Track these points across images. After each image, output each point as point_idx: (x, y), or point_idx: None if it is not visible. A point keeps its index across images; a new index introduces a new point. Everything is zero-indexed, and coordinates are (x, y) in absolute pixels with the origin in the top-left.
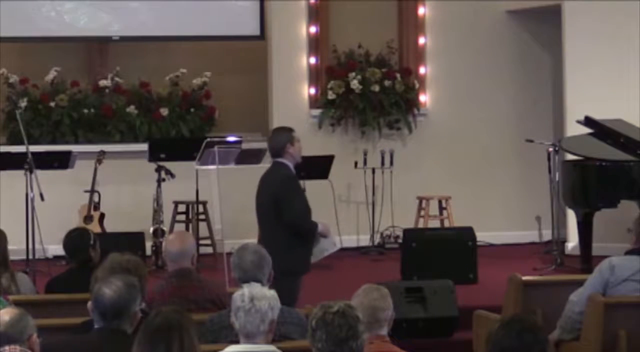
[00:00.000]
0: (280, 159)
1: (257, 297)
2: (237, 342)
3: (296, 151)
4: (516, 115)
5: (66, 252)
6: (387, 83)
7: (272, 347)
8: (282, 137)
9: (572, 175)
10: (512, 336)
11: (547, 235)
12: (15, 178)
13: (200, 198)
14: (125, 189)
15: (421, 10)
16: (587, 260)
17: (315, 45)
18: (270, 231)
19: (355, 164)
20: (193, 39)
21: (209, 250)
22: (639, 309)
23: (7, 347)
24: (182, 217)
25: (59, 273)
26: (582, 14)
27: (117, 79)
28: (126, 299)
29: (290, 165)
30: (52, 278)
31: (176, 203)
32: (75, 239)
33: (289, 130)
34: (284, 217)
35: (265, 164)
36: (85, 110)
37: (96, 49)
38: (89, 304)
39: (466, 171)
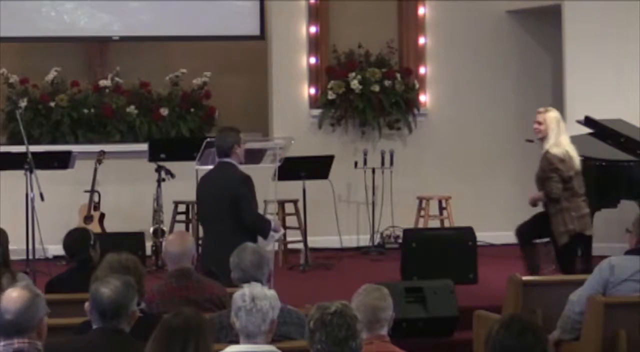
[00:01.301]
0: (228, 159)
1: (258, 297)
2: (237, 342)
3: (242, 152)
4: (516, 115)
5: (66, 252)
6: (387, 83)
7: (272, 347)
8: (230, 138)
9: None
10: (513, 336)
11: None
12: (15, 178)
13: None
14: (125, 189)
15: (421, 10)
16: (587, 260)
17: (315, 45)
18: (224, 230)
19: (355, 164)
20: (193, 39)
21: None
22: (639, 309)
23: (15, 341)
24: (182, 217)
25: (59, 273)
26: (582, 14)
27: (117, 79)
28: (124, 298)
29: (238, 166)
30: (52, 278)
31: (176, 203)
32: (76, 239)
33: (237, 131)
34: (244, 217)
35: (266, 164)
36: (85, 110)
37: (96, 49)
38: (86, 304)
39: (466, 171)
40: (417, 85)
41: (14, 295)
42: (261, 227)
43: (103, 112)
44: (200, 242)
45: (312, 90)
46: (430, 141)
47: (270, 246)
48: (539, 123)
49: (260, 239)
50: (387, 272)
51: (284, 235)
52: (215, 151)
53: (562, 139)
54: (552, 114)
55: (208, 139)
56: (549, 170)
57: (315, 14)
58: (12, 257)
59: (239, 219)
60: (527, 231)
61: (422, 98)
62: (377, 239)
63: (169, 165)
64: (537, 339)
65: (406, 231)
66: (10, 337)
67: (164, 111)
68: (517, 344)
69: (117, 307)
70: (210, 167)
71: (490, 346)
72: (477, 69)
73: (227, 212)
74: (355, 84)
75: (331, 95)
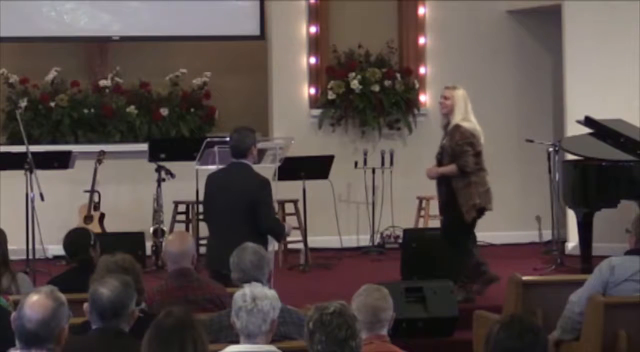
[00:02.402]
0: (244, 161)
1: (259, 297)
2: (237, 342)
3: (256, 153)
4: (516, 115)
5: (66, 252)
6: (387, 83)
7: (272, 348)
8: (249, 138)
9: (572, 175)
10: (514, 337)
11: (547, 235)
12: (15, 178)
13: (200, 198)
14: (125, 189)
15: (421, 10)
16: (587, 260)
17: (315, 45)
18: (239, 232)
19: (355, 164)
20: (193, 39)
21: None
22: (639, 309)
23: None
24: (182, 217)
25: (59, 273)
26: (582, 14)
27: (117, 79)
28: (124, 298)
29: (253, 167)
30: (52, 278)
31: (176, 203)
32: (76, 239)
33: (253, 131)
34: (262, 221)
35: (266, 164)
36: (85, 110)
37: (96, 49)
38: (85, 305)
39: None
40: (417, 85)
41: (38, 303)
42: (277, 232)
43: (103, 112)
44: (201, 242)
45: (312, 90)
46: (430, 141)
47: (270, 246)
48: (446, 98)
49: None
50: (387, 272)
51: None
52: (228, 151)
53: (471, 117)
54: (461, 92)
55: (208, 139)
56: (465, 144)
57: (315, 14)
58: (12, 257)
59: (255, 223)
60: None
61: (422, 98)
62: (377, 239)
63: (169, 165)
64: (537, 339)
65: (406, 231)
66: (28, 347)
67: (164, 111)
68: (517, 344)
69: (116, 307)
70: (211, 167)
71: (490, 346)
72: (477, 69)
73: (244, 215)
74: (355, 84)
75: (331, 95)
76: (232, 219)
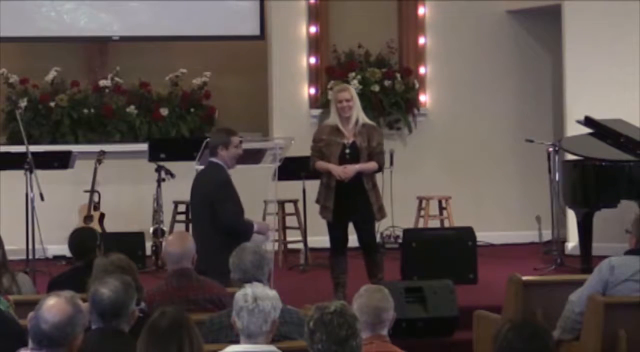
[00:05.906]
0: (215, 159)
1: (260, 297)
2: (237, 342)
3: (229, 155)
4: (516, 115)
5: (73, 251)
6: (387, 83)
7: (272, 348)
8: (218, 138)
9: (572, 175)
10: (523, 339)
11: (547, 235)
12: (15, 178)
13: None
14: (125, 189)
15: (421, 10)
16: (587, 260)
17: (315, 45)
18: (202, 231)
19: None
20: (193, 39)
21: None
22: (639, 309)
23: None
24: (182, 217)
25: (62, 272)
26: (582, 14)
27: (117, 79)
28: (124, 298)
29: (225, 166)
30: (56, 276)
31: (176, 203)
32: (83, 239)
33: (228, 132)
34: (220, 219)
35: (266, 165)
36: (85, 110)
37: (96, 49)
38: (85, 306)
39: (466, 171)
40: (417, 85)
41: (57, 306)
42: (240, 231)
43: (103, 112)
44: None
45: (312, 90)
46: (430, 141)
47: (270, 245)
48: (347, 100)
49: (255, 236)
50: (387, 272)
51: (284, 235)
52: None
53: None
54: (353, 89)
55: (208, 139)
56: (383, 144)
57: (315, 14)
58: (12, 257)
59: (215, 222)
60: (345, 239)
61: (422, 98)
62: (377, 239)
63: (169, 165)
64: (545, 345)
65: (406, 231)
66: (39, 348)
67: (164, 111)
68: (525, 347)
69: (117, 307)
70: None
71: (498, 343)
72: (477, 69)
73: (204, 214)
74: (355, 84)
75: (331, 95)
76: (195, 217)
